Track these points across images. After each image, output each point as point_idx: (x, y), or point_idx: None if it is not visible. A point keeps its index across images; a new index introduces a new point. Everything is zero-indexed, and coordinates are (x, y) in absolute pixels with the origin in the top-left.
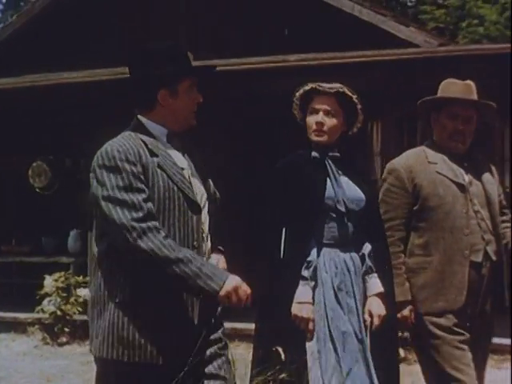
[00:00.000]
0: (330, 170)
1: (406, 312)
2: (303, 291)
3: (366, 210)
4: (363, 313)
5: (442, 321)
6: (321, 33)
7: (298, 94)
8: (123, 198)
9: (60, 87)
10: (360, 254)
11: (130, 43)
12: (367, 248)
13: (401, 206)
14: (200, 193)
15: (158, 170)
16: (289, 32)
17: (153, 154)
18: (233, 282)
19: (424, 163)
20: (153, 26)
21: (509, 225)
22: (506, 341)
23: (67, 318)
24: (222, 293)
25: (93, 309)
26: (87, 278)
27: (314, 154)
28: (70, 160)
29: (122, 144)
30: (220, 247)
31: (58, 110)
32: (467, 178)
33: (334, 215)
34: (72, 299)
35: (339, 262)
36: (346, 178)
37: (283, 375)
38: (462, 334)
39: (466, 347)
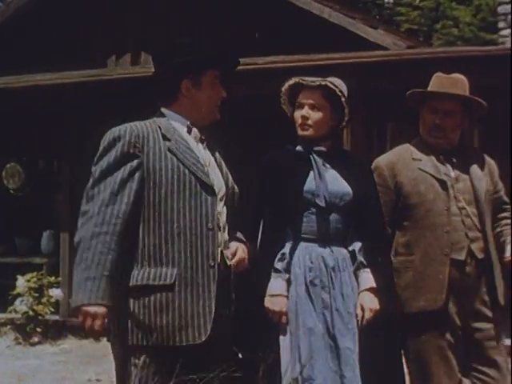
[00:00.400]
0: (313, 164)
1: None
2: (275, 284)
3: (355, 205)
4: (347, 308)
5: (422, 321)
6: (291, 35)
7: (283, 89)
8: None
9: (33, 89)
10: (350, 249)
11: (105, 45)
12: (357, 244)
13: (383, 204)
14: (219, 184)
15: (168, 154)
16: (259, 35)
17: (165, 138)
18: (91, 310)
19: (408, 160)
20: (128, 28)
21: (509, 221)
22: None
23: (39, 318)
24: (78, 311)
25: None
26: (60, 279)
27: (298, 148)
28: (43, 161)
29: (131, 125)
30: (241, 236)
31: (31, 111)
32: (453, 173)
33: (314, 210)
34: (44, 299)
35: (316, 257)
36: (334, 172)
37: (237, 374)
38: (443, 335)
39: (446, 349)
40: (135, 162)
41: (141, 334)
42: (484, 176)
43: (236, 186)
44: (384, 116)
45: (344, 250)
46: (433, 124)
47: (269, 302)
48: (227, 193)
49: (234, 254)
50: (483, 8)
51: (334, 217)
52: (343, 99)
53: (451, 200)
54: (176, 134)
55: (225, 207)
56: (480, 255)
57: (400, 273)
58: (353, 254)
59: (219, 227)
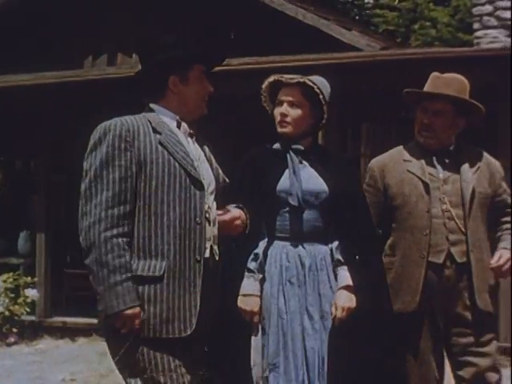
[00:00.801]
0: (290, 162)
1: None
2: (248, 283)
3: (332, 202)
4: (323, 307)
5: (394, 323)
6: (266, 37)
7: (263, 86)
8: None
9: (11, 89)
10: (329, 247)
11: (82, 46)
12: (335, 242)
13: (374, 205)
14: (208, 178)
15: (159, 147)
16: (235, 35)
17: (156, 131)
18: (129, 313)
19: (399, 161)
20: (105, 29)
21: (509, 226)
22: None
23: (15, 318)
24: (115, 317)
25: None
26: (36, 279)
27: (276, 145)
28: (20, 162)
29: (121, 120)
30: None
31: (8, 112)
32: (442, 175)
33: (288, 208)
34: (20, 300)
35: (293, 256)
36: (311, 170)
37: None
38: (419, 338)
39: (422, 351)
40: (128, 156)
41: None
42: (476, 178)
43: (228, 181)
44: (358, 116)
45: (324, 248)
46: (421, 124)
47: (241, 302)
48: (217, 187)
49: (226, 212)
50: (461, 9)
51: (310, 215)
52: (321, 96)
53: (434, 202)
54: (166, 128)
55: (215, 202)
56: (461, 259)
57: (387, 273)
58: (331, 252)
59: (208, 221)
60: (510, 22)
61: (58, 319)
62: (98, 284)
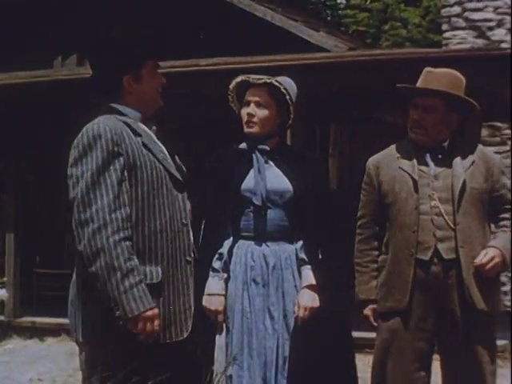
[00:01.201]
0: (255, 162)
1: (366, 311)
2: (213, 283)
3: (297, 201)
4: (286, 307)
5: (389, 322)
6: (235, 37)
7: (231, 86)
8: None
9: None
10: (294, 247)
11: (51, 46)
12: (300, 241)
13: (370, 203)
14: (179, 173)
15: (144, 150)
16: (204, 36)
17: (136, 133)
18: (150, 314)
19: (392, 159)
20: (75, 28)
21: (507, 223)
22: None
23: None
24: (135, 320)
25: (78, 298)
26: (5, 279)
27: (242, 145)
28: None
29: (107, 123)
30: None
31: None
32: (433, 171)
33: (252, 208)
34: None
35: (257, 256)
36: (276, 170)
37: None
38: (407, 337)
39: (408, 352)
40: (121, 160)
41: (127, 334)
42: (470, 173)
43: (185, 170)
44: (327, 117)
45: (289, 247)
46: (412, 120)
47: (205, 301)
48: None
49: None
50: (432, 10)
51: (275, 214)
52: (288, 97)
53: (424, 199)
54: (141, 129)
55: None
56: (448, 255)
57: (380, 272)
58: (296, 251)
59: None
60: (478, 24)
61: (27, 319)
62: (112, 289)
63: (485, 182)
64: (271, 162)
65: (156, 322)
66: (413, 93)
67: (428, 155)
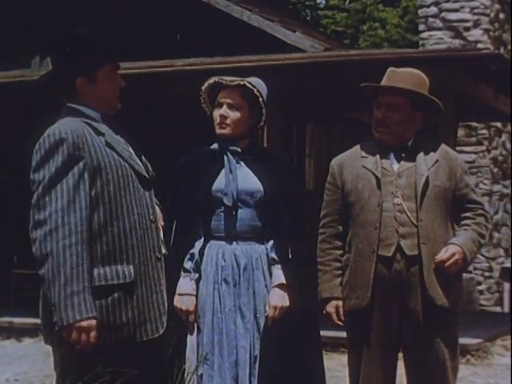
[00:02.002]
0: (226, 163)
1: (329, 309)
2: (184, 283)
3: (267, 201)
4: (257, 306)
5: (355, 320)
6: (211, 38)
7: (203, 88)
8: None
9: None
10: (265, 246)
11: (29, 45)
12: (270, 241)
13: (333, 203)
14: (145, 171)
15: (108, 149)
16: (181, 37)
17: (99, 133)
18: (84, 324)
19: (356, 158)
20: (53, 28)
21: (468, 222)
22: None
23: None
24: (69, 328)
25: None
26: None
27: (213, 146)
28: None
29: (68, 126)
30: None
31: None
32: (397, 169)
33: (223, 208)
34: None
35: (229, 256)
36: (247, 170)
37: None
38: (368, 335)
39: (372, 349)
40: (81, 164)
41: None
42: (434, 171)
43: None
44: (303, 117)
45: (260, 247)
46: (375, 119)
47: (177, 301)
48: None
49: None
50: (410, 10)
51: (246, 214)
52: (261, 99)
53: (387, 196)
54: (104, 128)
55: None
56: (411, 252)
57: (344, 271)
58: (267, 250)
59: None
60: (454, 24)
61: (4, 319)
62: (54, 294)
63: (448, 180)
64: (242, 163)
65: (92, 334)
66: (377, 92)
67: (392, 154)
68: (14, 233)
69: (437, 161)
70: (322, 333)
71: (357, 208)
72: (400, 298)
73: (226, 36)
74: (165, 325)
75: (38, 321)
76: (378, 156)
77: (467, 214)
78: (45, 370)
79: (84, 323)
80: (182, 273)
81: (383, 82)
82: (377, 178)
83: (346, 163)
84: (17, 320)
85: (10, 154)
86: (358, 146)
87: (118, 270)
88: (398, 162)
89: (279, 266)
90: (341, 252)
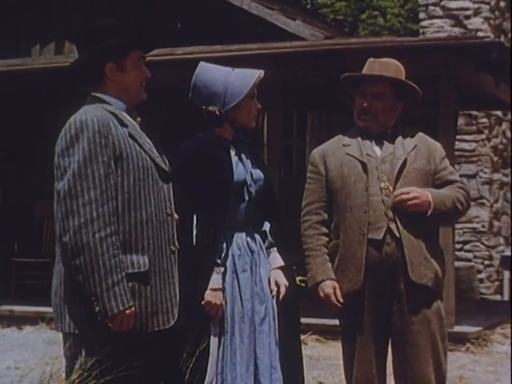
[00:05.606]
0: (241, 154)
1: (327, 289)
2: (216, 278)
3: (264, 190)
4: (263, 289)
5: (347, 304)
6: (212, 26)
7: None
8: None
9: None
10: (262, 230)
11: (29, 34)
12: (267, 225)
13: (317, 190)
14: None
15: (130, 140)
16: (181, 25)
17: (123, 124)
18: (128, 313)
19: (339, 147)
20: (53, 16)
21: (447, 187)
22: None
23: None
24: (113, 318)
25: (65, 289)
26: None
27: (209, 137)
28: None
29: (94, 114)
30: None
31: None
32: (380, 155)
33: (241, 198)
34: None
35: (242, 244)
36: (249, 161)
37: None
38: (362, 317)
39: (365, 334)
40: (108, 152)
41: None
42: (413, 155)
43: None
44: (304, 105)
45: (259, 233)
46: (360, 107)
47: (210, 296)
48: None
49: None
50: None
51: (255, 203)
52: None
53: (372, 181)
54: (127, 119)
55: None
56: (399, 234)
57: (332, 258)
58: (264, 234)
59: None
60: (455, 12)
61: (5, 308)
62: (95, 285)
63: (428, 164)
64: (247, 153)
65: (132, 321)
66: (359, 81)
67: (373, 141)
68: (14, 221)
69: (415, 146)
70: (323, 321)
71: (343, 194)
72: (390, 281)
73: (227, 24)
74: (176, 317)
75: (39, 309)
76: (361, 143)
77: (447, 186)
78: (45, 358)
79: (127, 311)
80: (215, 267)
81: (365, 71)
82: (362, 163)
83: (329, 152)
84: (17, 308)
85: (10, 143)
86: (339, 136)
87: (132, 259)
88: (380, 147)
89: (275, 249)
90: (327, 239)
